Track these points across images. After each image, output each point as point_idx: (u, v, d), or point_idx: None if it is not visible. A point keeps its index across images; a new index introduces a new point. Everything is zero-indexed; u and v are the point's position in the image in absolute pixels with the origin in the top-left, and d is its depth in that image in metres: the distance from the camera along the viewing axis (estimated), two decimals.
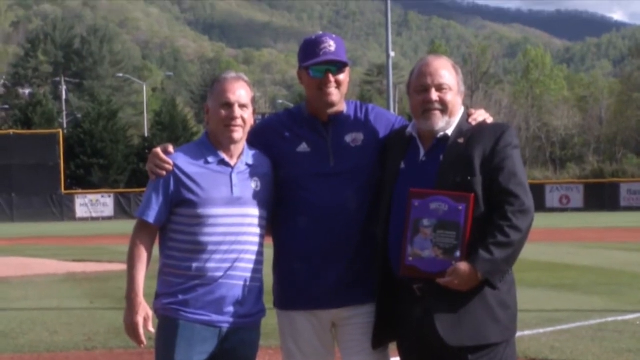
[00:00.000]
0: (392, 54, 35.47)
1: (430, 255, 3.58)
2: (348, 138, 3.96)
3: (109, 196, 55.63)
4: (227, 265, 3.76)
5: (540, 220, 40.48)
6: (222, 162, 3.84)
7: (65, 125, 71.52)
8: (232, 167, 3.84)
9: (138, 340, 3.76)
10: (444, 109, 3.73)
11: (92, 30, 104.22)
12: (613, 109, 78.43)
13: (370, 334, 3.86)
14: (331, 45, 3.92)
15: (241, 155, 3.88)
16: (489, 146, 3.64)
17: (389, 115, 4.19)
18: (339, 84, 3.94)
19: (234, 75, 3.91)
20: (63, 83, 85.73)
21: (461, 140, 3.69)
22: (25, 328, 9.80)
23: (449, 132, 3.73)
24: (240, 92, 3.85)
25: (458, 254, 3.57)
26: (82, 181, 60.87)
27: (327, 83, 3.91)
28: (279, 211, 3.97)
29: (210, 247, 3.75)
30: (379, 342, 3.85)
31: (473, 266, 3.53)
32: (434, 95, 3.73)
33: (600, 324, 9.37)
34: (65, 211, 54.28)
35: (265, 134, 4.04)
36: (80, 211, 54.61)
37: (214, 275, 3.75)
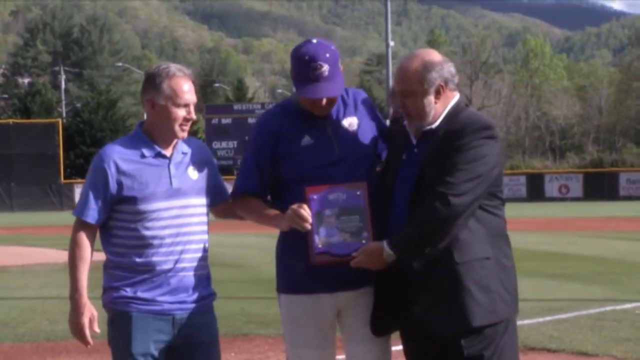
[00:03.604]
0: (391, 43, 35.48)
1: (339, 239, 3.68)
2: (345, 123, 3.96)
3: None
4: (173, 257, 3.75)
5: (540, 210, 40.40)
6: (159, 155, 3.79)
7: (64, 115, 71.45)
8: (169, 158, 3.81)
9: (84, 341, 3.75)
10: (409, 113, 3.75)
11: (91, 19, 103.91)
12: (612, 99, 78.34)
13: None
14: (324, 69, 3.78)
15: (176, 145, 3.85)
16: (453, 137, 3.63)
17: (363, 93, 4.14)
18: (330, 102, 3.90)
19: (184, 71, 3.82)
20: (62, 72, 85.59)
21: (440, 133, 3.71)
22: (25, 317, 9.82)
23: (434, 125, 3.74)
24: (193, 91, 3.83)
25: (365, 234, 3.68)
26: (81, 170, 60.74)
27: (318, 105, 3.87)
28: (284, 202, 3.87)
29: (155, 241, 3.73)
30: (378, 331, 3.86)
31: (382, 243, 3.59)
32: (400, 101, 3.78)
33: (599, 313, 9.40)
34: (65, 200, 54.19)
35: (268, 134, 3.94)
36: None
37: (161, 269, 3.74)
